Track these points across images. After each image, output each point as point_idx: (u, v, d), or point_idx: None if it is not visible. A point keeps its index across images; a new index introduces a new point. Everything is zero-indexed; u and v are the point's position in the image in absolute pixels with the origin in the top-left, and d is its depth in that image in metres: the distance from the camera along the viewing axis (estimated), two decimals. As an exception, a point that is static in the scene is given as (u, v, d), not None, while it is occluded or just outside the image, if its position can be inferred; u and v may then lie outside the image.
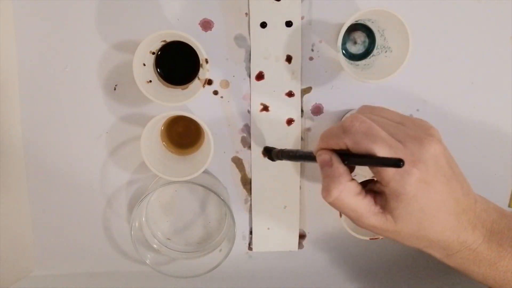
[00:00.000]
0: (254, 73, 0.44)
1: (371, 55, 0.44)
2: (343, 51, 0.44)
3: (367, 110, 0.33)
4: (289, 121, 0.45)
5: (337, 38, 0.39)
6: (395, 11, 0.37)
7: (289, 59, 0.43)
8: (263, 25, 0.42)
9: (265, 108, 0.44)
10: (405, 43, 0.38)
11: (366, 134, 0.30)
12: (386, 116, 0.32)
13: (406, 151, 0.29)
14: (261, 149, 0.45)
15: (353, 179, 0.31)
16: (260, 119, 0.45)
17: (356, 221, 0.32)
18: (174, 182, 0.41)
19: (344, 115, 0.45)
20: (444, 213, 0.31)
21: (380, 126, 0.30)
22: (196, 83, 0.41)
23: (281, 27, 0.42)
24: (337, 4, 0.43)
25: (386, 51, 0.42)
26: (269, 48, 0.43)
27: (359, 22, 0.43)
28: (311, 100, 0.45)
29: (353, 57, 0.44)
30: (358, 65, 0.44)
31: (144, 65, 0.40)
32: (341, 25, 0.38)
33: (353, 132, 0.30)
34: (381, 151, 0.29)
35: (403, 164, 0.27)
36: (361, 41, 0.44)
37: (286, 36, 0.43)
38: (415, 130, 0.31)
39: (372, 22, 0.42)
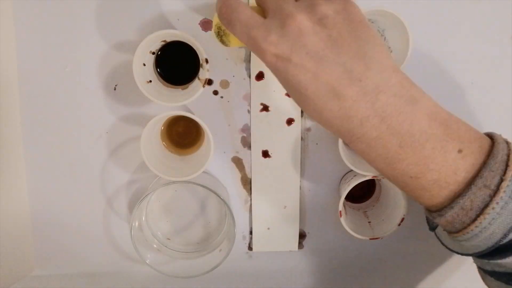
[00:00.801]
0: (254, 73, 0.44)
1: None
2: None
3: None
4: (289, 121, 0.45)
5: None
6: (395, 11, 0.37)
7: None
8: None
9: (265, 108, 0.44)
10: (405, 43, 0.38)
11: (228, 19, 0.31)
12: None
13: (262, 28, 0.29)
14: (261, 149, 0.45)
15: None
16: (260, 119, 0.45)
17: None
18: (174, 182, 0.41)
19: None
20: (318, 97, 0.29)
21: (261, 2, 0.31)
22: (196, 83, 0.41)
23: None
24: None
25: None
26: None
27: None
28: (311, 100, 0.45)
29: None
30: None
31: (144, 65, 0.40)
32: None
33: (220, 17, 0.31)
34: (239, 35, 0.30)
35: None
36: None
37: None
38: (297, 4, 0.30)
39: (372, 22, 0.42)
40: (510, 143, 0.31)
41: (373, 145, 0.29)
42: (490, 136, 0.32)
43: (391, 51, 0.41)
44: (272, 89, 0.44)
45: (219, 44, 0.37)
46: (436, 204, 0.31)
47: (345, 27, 0.29)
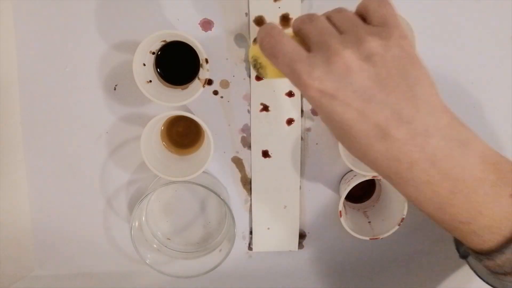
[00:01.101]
0: (254, 73, 0.44)
1: None
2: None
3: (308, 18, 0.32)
4: (289, 121, 0.45)
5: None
6: (400, 12, 0.37)
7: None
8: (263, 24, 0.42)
9: (265, 108, 0.44)
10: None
11: (271, 50, 0.30)
12: (334, 20, 0.30)
13: (306, 63, 0.28)
14: (261, 149, 0.45)
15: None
16: (260, 119, 0.45)
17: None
18: (174, 182, 0.41)
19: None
20: (364, 137, 0.28)
21: (302, 33, 0.30)
22: (196, 83, 0.41)
23: (281, 27, 0.42)
24: (337, 5, 0.43)
25: None
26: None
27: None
28: (311, 100, 0.45)
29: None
30: None
31: (144, 65, 0.40)
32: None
33: (262, 48, 0.31)
34: (281, 68, 0.29)
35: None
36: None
37: (286, 36, 0.43)
38: (343, 38, 0.28)
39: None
40: None
41: (422, 189, 0.28)
42: None
43: None
44: (272, 89, 0.44)
45: (256, 74, 0.35)
46: (486, 248, 0.30)
47: (395, 65, 0.27)
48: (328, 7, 0.42)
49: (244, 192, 0.47)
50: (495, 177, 0.28)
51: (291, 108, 0.44)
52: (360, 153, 0.29)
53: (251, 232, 0.48)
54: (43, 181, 0.46)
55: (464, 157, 0.27)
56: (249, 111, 0.45)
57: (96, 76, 0.43)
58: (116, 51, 0.43)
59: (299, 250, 0.49)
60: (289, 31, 0.32)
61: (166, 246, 0.47)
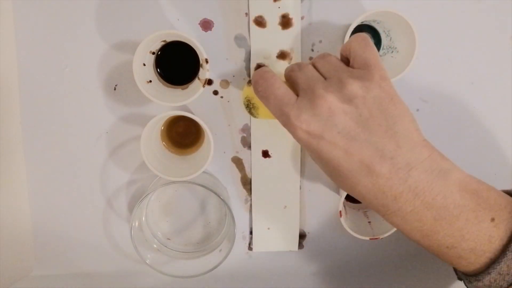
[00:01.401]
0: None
1: None
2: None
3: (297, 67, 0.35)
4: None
5: (338, 39, 0.39)
6: (401, 13, 0.37)
7: (289, 59, 0.43)
8: (263, 24, 0.42)
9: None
10: (411, 43, 0.38)
11: (263, 93, 0.33)
12: (319, 67, 0.33)
13: (295, 106, 0.31)
14: (261, 149, 0.45)
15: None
16: (260, 119, 0.44)
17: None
18: (174, 182, 0.41)
19: None
20: (352, 174, 0.30)
21: (292, 79, 0.33)
22: (196, 83, 0.41)
23: (280, 27, 0.42)
24: (338, 5, 0.43)
25: (392, 52, 0.42)
26: (269, 48, 0.43)
27: (364, 23, 0.43)
28: (311, 100, 0.45)
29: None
30: None
31: (144, 65, 0.40)
32: (343, 26, 0.38)
33: (255, 90, 0.34)
34: (272, 109, 0.32)
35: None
36: (367, 42, 0.44)
37: (286, 36, 0.43)
38: (327, 83, 0.31)
39: (378, 23, 0.42)
40: None
41: (408, 219, 0.30)
42: None
43: (398, 52, 0.41)
44: (272, 89, 0.44)
45: (248, 114, 0.40)
46: (473, 270, 0.31)
47: (376, 106, 0.30)
48: (328, 7, 0.43)
49: (244, 192, 0.47)
50: (475, 203, 0.30)
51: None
52: (349, 188, 0.31)
53: (251, 232, 0.48)
54: (43, 181, 0.46)
55: (444, 187, 0.29)
56: (249, 111, 0.45)
57: (96, 76, 0.43)
58: (116, 51, 0.43)
59: (299, 250, 0.49)
60: (282, 72, 0.35)
61: (166, 246, 0.47)
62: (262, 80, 0.33)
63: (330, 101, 0.29)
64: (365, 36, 0.33)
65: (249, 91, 0.36)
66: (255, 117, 0.39)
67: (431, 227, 0.30)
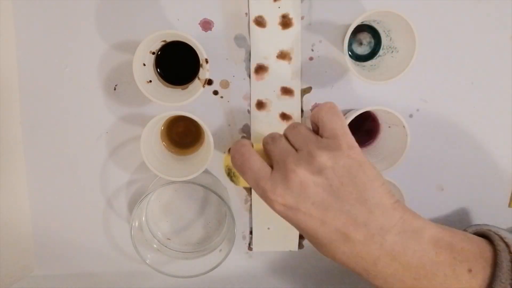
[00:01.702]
0: (254, 73, 0.44)
1: (377, 55, 0.44)
2: (349, 53, 0.44)
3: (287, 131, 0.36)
4: (289, 121, 0.45)
5: (338, 39, 0.39)
6: (401, 13, 0.37)
7: (289, 59, 0.43)
8: (263, 24, 0.42)
9: (265, 107, 0.44)
10: (411, 43, 0.38)
11: (240, 166, 0.34)
12: (290, 138, 0.34)
13: (269, 181, 0.32)
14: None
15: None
16: (260, 119, 0.45)
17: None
18: (174, 182, 0.41)
19: (344, 115, 0.45)
20: (329, 242, 0.31)
21: (267, 152, 0.35)
22: (196, 83, 0.41)
23: (280, 27, 0.42)
24: (338, 5, 0.43)
25: (392, 52, 0.42)
26: (269, 48, 0.43)
27: (364, 23, 0.43)
28: (311, 100, 0.45)
29: (358, 58, 0.44)
30: (364, 66, 0.44)
31: (144, 65, 0.40)
32: (343, 26, 0.38)
33: (233, 163, 0.35)
34: (249, 182, 0.33)
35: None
36: (366, 42, 0.44)
37: (286, 36, 0.43)
38: (298, 156, 0.32)
39: (378, 23, 0.42)
40: (509, 244, 0.31)
41: (390, 281, 0.31)
42: (487, 236, 0.33)
43: (398, 52, 0.41)
44: (272, 89, 0.44)
45: (229, 181, 0.42)
46: None
47: (345, 174, 0.31)
48: (328, 7, 0.43)
49: (244, 192, 0.47)
50: (451, 258, 0.30)
51: (291, 108, 0.44)
52: (330, 255, 0.32)
53: (251, 232, 0.48)
54: (43, 181, 0.46)
55: (419, 246, 0.30)
56: (249, 111, 0.45)
57: (96, 76, 0.43)
58: (116, 51, 0.43)
59: (299, 250, 0.49)
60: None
61: (166, 246, 0.47)
62: (238, 155, 0.34)
63: (301, 175, 0.31)
64: (332, 105, 0.34)
65: (229, 160, 0.37)
66: (236, 184, 0.42)
67: (412, 286, 0.31)
